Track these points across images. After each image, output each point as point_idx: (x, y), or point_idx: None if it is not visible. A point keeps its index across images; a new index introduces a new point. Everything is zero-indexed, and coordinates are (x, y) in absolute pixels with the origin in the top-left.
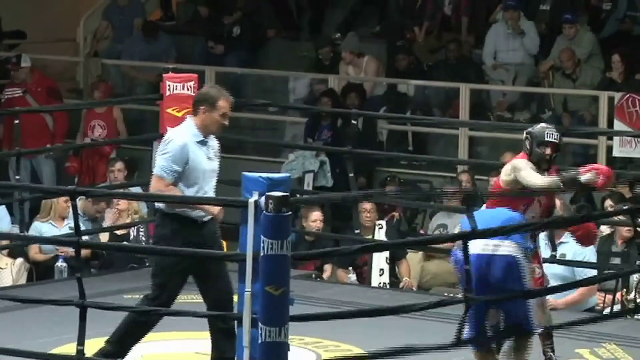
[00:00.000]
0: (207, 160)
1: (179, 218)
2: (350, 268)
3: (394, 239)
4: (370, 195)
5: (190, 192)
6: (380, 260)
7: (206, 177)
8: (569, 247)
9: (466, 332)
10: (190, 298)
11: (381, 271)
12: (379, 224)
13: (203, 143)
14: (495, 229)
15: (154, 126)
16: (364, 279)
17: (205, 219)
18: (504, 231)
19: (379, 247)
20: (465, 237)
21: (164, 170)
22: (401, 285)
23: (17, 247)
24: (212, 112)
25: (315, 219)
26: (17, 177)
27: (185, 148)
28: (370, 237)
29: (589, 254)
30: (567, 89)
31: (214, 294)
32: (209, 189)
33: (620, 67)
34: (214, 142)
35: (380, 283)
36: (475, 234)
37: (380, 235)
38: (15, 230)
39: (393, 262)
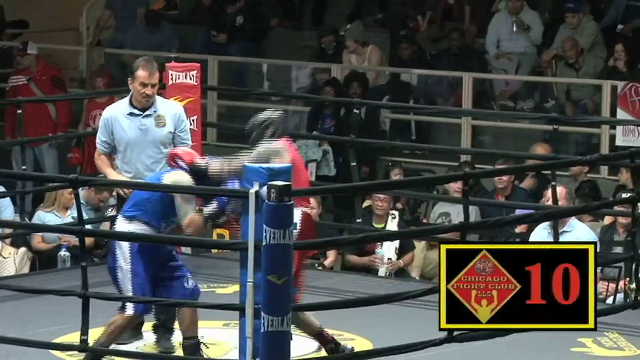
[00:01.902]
0: (137, 131)
1: None
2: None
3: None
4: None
5: (118, 160)
6: (389, 250)
7: (136, 147)
8: (572, 236)
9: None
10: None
11: (389, 261)
12: (392, 214)
13: (134, 115)
14: (494, 220)
15: None
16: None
17: None
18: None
19: (382, 236)
20: (464, 228)
21: (97, 142)
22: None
23: (19, 236)
24: (134, 82)
25: None
26: (24, 167)
27: (109, 120)
28: (382, 225)
29: None
30: (570, 78)
31: None
32: (142, 157)
33: (624, 57)
34: (165, 111)
35: (386, 273)
36: (471, 225)
37: (393, 225)
38: (18, 219)
39: (401, 253)
